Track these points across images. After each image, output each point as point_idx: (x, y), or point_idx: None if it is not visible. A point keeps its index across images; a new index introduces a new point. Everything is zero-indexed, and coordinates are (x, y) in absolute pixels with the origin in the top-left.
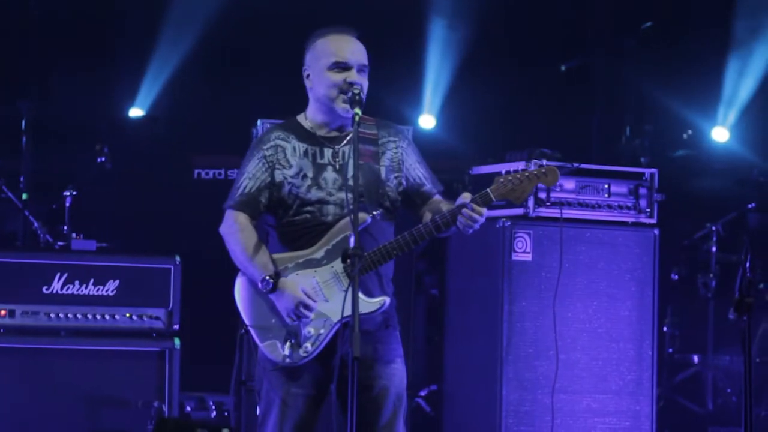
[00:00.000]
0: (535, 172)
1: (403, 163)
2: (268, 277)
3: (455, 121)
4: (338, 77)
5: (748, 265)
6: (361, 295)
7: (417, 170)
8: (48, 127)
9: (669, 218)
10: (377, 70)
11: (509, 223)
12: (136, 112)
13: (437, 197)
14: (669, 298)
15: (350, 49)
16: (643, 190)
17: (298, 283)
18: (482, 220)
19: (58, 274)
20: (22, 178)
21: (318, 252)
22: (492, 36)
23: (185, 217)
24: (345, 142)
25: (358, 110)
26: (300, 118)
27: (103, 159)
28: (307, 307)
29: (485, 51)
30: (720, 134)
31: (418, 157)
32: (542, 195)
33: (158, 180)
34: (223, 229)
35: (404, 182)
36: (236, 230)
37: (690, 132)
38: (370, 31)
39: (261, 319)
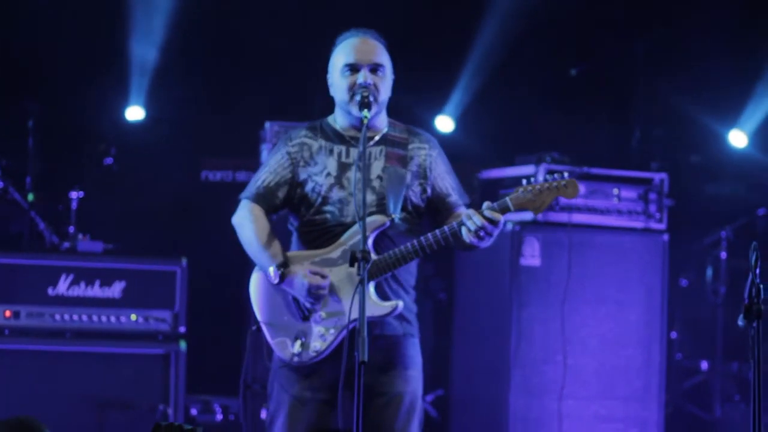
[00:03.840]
0: (555, 184)
1: (431, 171)
2: (275, 268)
3: (467, 124)
4: (350, 80)
5: (757, 271)
6: (374, 298)
7: (445, 180)
8: (55, 127)
9: (679, 223)
10: (404, 72)
11: (518, 227)
12: (137, 112)
13: (462, 209)
14: (678, 304)
15: (359, 49)
16: (652, 195)
17: (306, 267)
18: (498, 229)
19: (64, 276)
20: (28, 179)
21: (334, 252)
22: (503, 40)
23: (192, 219)
24: (372, 143)
25: (366, 113)
26: (330, 118)
27: (111, 160)
28: (319, 288)
29: (495, 54)
30: (737, 138)
31: (447, 167)
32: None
33: (165, 182)
34: (236, 219)
35: (429, 190)
36: (250, 220)
37: (698, 158)
38: (397, 31)
39: (273, 316)
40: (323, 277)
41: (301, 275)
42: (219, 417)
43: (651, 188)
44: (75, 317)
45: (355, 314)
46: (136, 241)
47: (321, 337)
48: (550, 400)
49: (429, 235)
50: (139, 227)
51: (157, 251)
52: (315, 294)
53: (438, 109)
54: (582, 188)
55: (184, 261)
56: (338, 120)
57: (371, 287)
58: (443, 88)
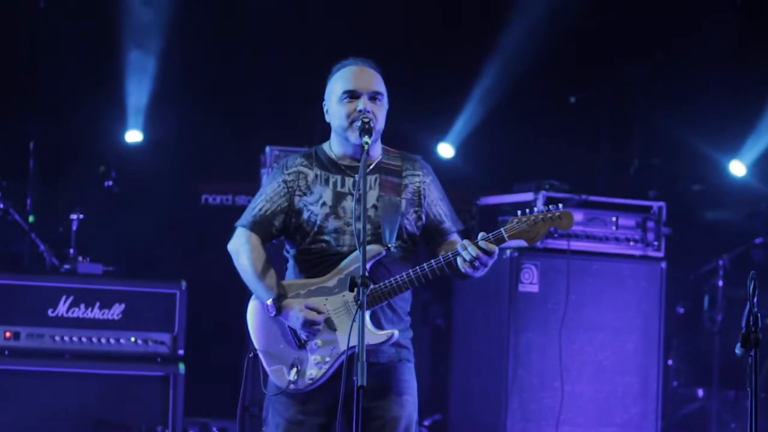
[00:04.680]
0: (550, 215)
1: (424, 198)
2: (272, 302)
3: (467, 151)
4: (349, 107)
5: (755, 300)
6: (369, 327)
7: (438, 207)
8: (55, 150)
9: (676, 252)
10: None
11: (517, 254)
12: (136, 135)
13: (455, 237)
14: (675, 332)
15: (359, 77)
16: (650, 224)
17: (302, 301)
18: (493, 259)
19: (64, 297)
20: (29, 201)
21: (330, 280)
22: (508, 73)
23: (192, 243)
24: (367, 171)
25: (366, 138)
26: (325, 146)
27: (111, 183)
28: (314, 323)
29: (500, 86)
30: (736, 168)
31: (441, 194)
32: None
33: (166, 205)
34: (232, 247)
35: (424, 218)
36: (248, 249)
37: (697, 187)
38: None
39: (270, 344)
40: (319, 312)
41: (297, 309)
42: None
43: (649, 216)
44: (75, 339)
45: (352, 342)
46: (136, 264)
47: (317, 365)
48: (547, 426)
49: (424, 265)
50: (139, 250)
51: (157, 274)
52: (310, 329)
53: (440, 136)
54: (580, 215)
55: (183, 284)
56: (334, 148)
57: (366, 316)
58: (446, 116)
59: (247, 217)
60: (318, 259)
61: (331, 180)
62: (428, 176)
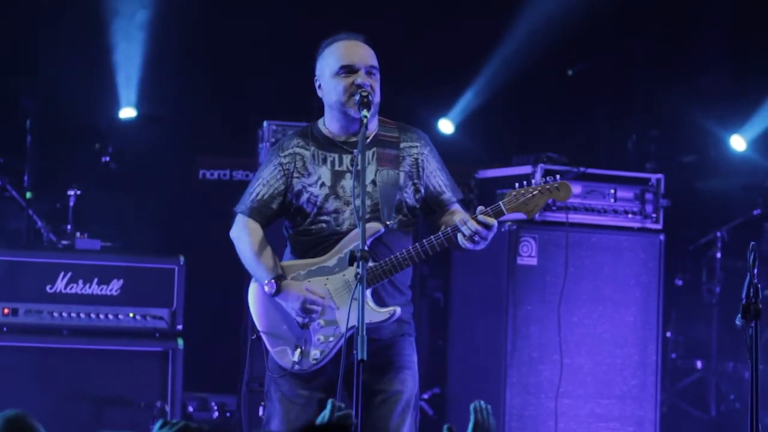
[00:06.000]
0: (548, 186)
1: (423, 169)
2: (271, 281)
3: (466, 125)
4: (346, 81)
5: (755, 271)
6: (370, 304)
7: (437, 177)
8: (52, 126)
9: (674, 224)
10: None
11: (515, 227)
12: (130, 111)
13: (455, 207)
14: (673, 304)
15: (356, 52)
16: (649, 196)
17: (303, 283)
18: (492, 232)
19: (62, 273)
20: (26, 177)
21: (330, 260)
22: (503, 44)
23: (190, 218)
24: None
25: (365, 112)
26: (320, 123)
27: (108, 158)
28: (314, 303)
29: (491, 55)
30: (738, 143)
31: (440, 164)
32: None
33: (163, 180)
34: (233, 233)
35: (422, 190)
36: (246, 233)
37: (694, 158)
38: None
39: (273, 326)
40: (320, 296)
41: (297, 291)
42: (215, 414)
43: (647, 188)
44: (73, 315)
45: (352, 322)
46: (134, 239)
47: (320, 345)
48: (546, 398)
49: (424, 241)
50: (137, 225)
51: (155, 249)
52: (307, 311)
53: (441, 113)
54: (579, 188)
55: (181, 259)
56: (328, 124)
57: (368, 293)
58: (447, 93)
59: (245, 202)
60: (317, 240)
61: (329, 159)
62: (426, 147)
